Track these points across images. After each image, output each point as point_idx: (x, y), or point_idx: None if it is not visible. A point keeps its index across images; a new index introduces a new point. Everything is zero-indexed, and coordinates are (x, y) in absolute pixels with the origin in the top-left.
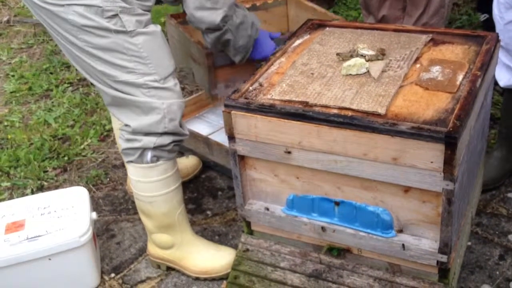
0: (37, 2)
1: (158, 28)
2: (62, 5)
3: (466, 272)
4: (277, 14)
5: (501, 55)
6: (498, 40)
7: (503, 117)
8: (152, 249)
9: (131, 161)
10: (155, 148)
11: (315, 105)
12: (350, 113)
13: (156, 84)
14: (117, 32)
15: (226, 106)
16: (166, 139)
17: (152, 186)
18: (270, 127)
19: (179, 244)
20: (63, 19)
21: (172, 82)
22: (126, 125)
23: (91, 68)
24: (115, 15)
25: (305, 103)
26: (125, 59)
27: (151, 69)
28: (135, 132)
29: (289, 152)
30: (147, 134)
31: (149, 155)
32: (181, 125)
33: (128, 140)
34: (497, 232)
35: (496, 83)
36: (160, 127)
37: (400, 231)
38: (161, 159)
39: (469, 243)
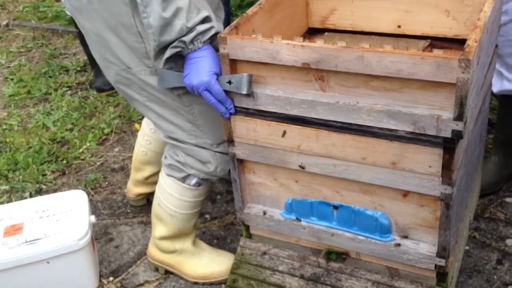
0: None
1: None
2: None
3: (464, 276)
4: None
5: None
6: (495, 46)
7: (498, 123)
8: (153, 251)
9: (172, 176)
10: (202, 178)
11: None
12: None
13: (208, 147)
14: (173, 99)
15: None
16: (216, 177)
17: (181, 203)
18: (269, 131)
19: (180, 250)
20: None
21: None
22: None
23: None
24: None
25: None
26: (182, 119)
27: (204, 134)
28: (186, 164)
29: (303, 167)
30: (198, 170)
31: (194, 180)
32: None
33: (178, 161)
34: (494, 237)
35: None
36: (211, 174)
37: (406, 237)
38: (202, 185)
39: (467, 248)
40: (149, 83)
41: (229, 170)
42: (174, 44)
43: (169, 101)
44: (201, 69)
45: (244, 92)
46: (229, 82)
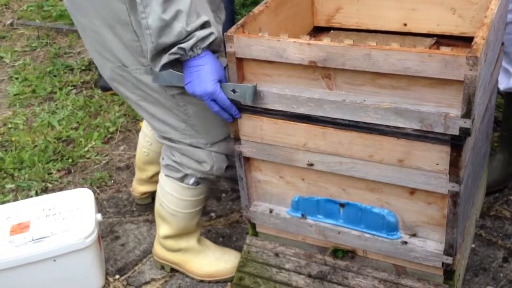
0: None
1: None
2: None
3: (470, 274)
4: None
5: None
6: (502, 43)
7: (504, 120)
8: (158, 249)
9: (170, 176)
10: (200, 177)
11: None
12: None
13: (202, 146)
14: (166, 98)
15: None
16: (213, 176)
17: (181, 202)
18: (276, 129)
19: (185, 248)
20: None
21: (223, 147)
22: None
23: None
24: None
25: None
26: (176, 119)
27: (198, 133)
28: (182, 164)
29: (311, 165)
30: (194, 169)
31: (192, 180)
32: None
33: (175, 161)
34: (500, 235)
35: None
36: (208, 173)
37: (413, 235)
38: (201, 184)
39: (473, 245)
40: (143, 81)
41: (227, 167)
42: (173, 51)
43: (163, 100)
44: (203, 77)
45: (249, 103)
46: (234, 91)
